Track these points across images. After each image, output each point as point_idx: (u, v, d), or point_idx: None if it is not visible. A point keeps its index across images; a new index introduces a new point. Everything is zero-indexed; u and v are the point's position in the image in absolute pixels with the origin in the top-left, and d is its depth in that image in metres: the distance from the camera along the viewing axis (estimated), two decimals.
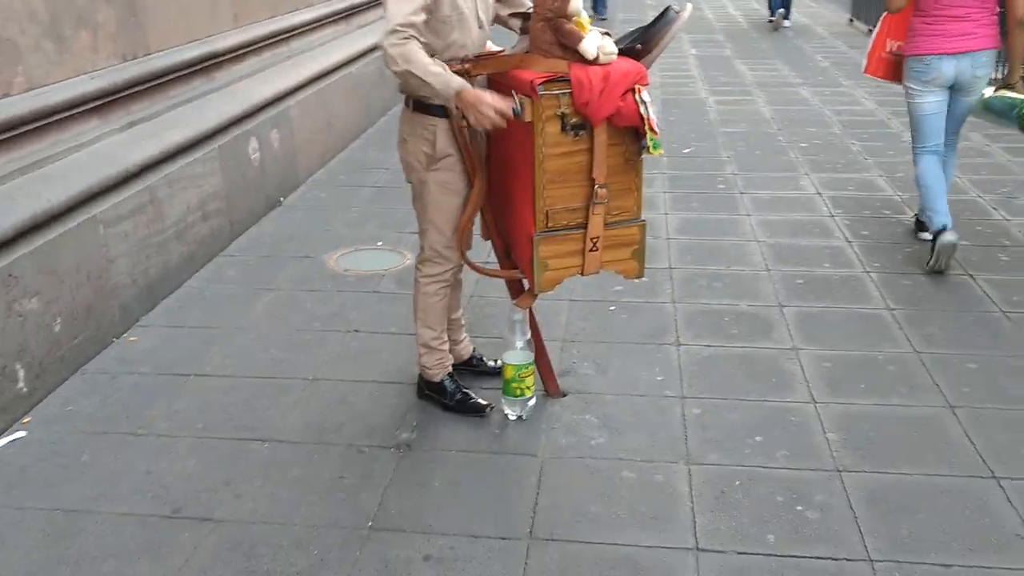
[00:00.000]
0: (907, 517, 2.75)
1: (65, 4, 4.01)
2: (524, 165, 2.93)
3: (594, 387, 3.51)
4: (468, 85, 2.85)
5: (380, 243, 5.00)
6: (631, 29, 3.13)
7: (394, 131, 3.27)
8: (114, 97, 4.34)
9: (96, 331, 3.84)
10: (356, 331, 4.01)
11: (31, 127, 3.77)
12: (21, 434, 3.25)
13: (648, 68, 2.96)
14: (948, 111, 4.55)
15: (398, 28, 2.77)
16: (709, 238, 5.04)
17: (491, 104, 2.82)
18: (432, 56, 2.90)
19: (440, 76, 2.81)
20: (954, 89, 4.47)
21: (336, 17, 7.25)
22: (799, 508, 2.78)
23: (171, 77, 4.86)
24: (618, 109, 2.82)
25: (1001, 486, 2.88)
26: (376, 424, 3.30)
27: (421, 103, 3.03)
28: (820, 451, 3.07)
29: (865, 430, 3.19)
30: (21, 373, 3.37)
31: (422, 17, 2.82)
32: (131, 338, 3.98)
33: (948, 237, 4.34)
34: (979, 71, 4.40)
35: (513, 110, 2.81)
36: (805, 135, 7.11)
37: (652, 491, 2.89)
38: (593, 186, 2.92)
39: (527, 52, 2.94)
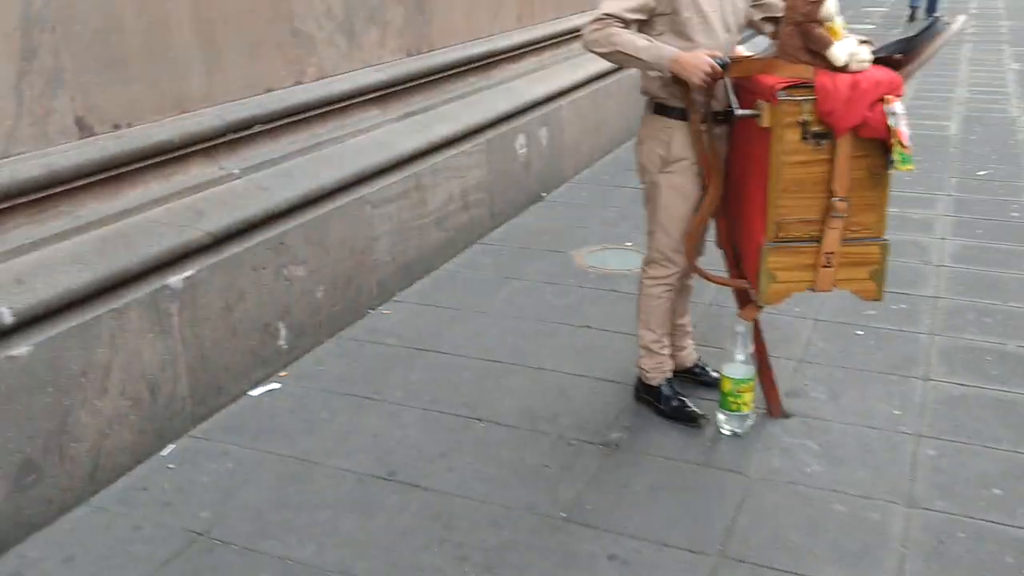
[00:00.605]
0: None
1: (360, 2, 4.40)
2: (759, 172, 2.85)
3: (822, 413, 3.33)
4: (680, 52, 2.83)
5: (629, 244, 5.02)
6: (896, 38, 2.93)
7: None
8: (395, 89, 4.70)
9: (354, 302, 4.18)
10: (588, 327, 4.07)
11: (317, 112, 4.17)
12: (276, 386, 3.62)
13: (907, 79, 2.77)
14: None
15: (601, 16, 2.85)
16: (988, 269, 4.58)
17: (702, 63, 2.79)
18: None
19: (650, 47, 2.84)
20: None
21: None
22: None
23: (450, 73, 5.17)
24: (865, 119, 2.66)
25: None
26: (589, 419, 3.33)
27: (660, 106, 3.03)
28: None
29: None
30: (283, 332, 3.75)
31: (635, 16, 2.85)
32: (384, 311, 4.30)
33: None
34: None
35: (719, 61, 2.79)
36: None
37: (862, 529, 2.70)
38: (831, 198, 2.77)
39: (775, 57, 2.85)
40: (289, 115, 4.00)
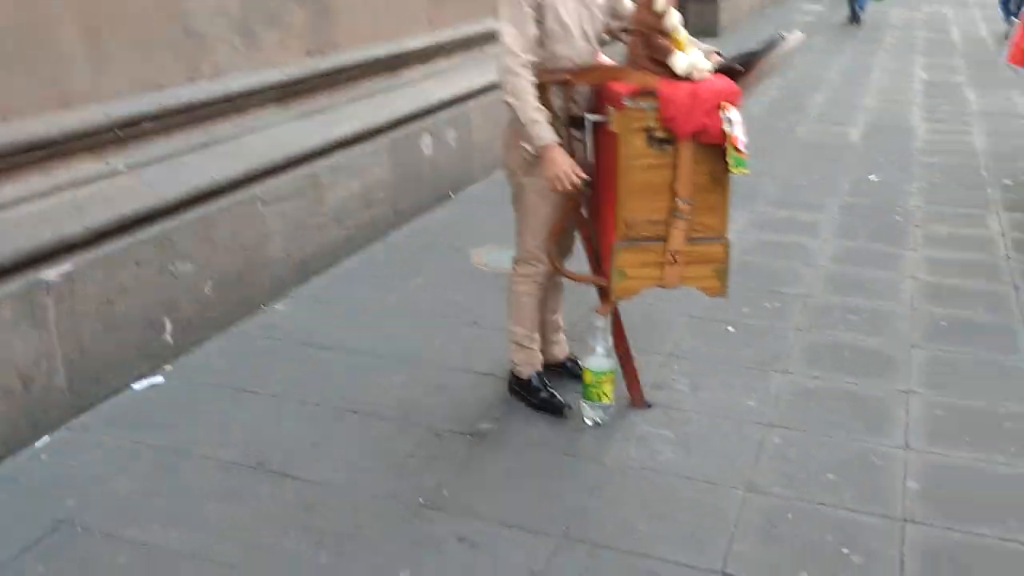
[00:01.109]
0: None
1: (258, 4, 4.46)
2: (611, 175, 3.00)
3: (682, 404, 3.50)
4: (556, 140, 2.99)
5: None
6: (745, 51, 3.10)
7: None
8: (296, 89, 4.77)
9: (247, 297, 4.26)
10: (475, 323, 4.20)
11: (213, 110, 4.24)
12: (159, 379, 3.69)
13: (747, 91, 2.94)
14: None
15: (517, 54, 2.95)
16: (862, 269, 4.81)
17: (564, 171, 2.97)
18: (537, 64, 3.03)
19: (536, 125, 2.99)
20: None
21: None
22: (845, 551, 2.67)
23: (355, 74, 5.26)
24: (704, 126, 2.83)
25: None
26: (463, 411, 3.46)
27: None
28: (892, 498, 2.92)
29: (951, 484, 3.00)
30: (169, 326, 3.81)
31: (533, 34, 2.98)
32: (278, 307, 4.38)
33: None
34: None
35: (584, 181, 2.97)
36: (1013, 171, 6.56)
37: (701, 512, 2.87)
38: (676, 200, 2.94)
39: (624, 65, 3.00)
40: (182, 112, 4.06)
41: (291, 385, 3.65)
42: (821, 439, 3.26)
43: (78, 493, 2.95)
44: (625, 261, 3.02)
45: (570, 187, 3.01)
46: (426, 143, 5.75)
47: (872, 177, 6.47)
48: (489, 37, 6.79)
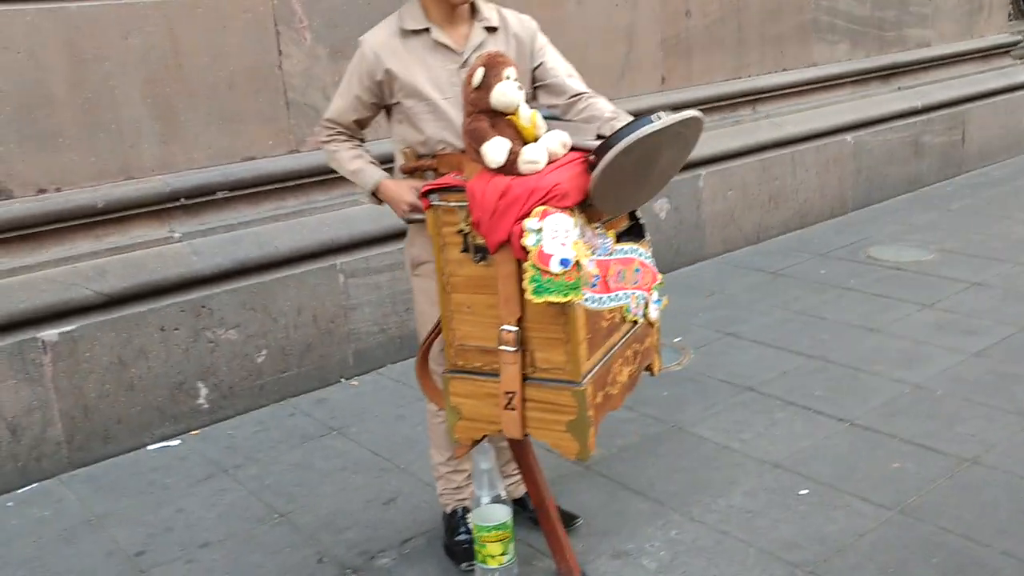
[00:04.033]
0: None
1: None
2: None
3: None
4: (386, 178, 2.53)
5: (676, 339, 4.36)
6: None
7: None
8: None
9: (318, 370, 4.16)
10: None
11: (314, 180, 4.23)
12: (176, 442, 3.74)
13: (598, 187, 2.14)
14: None
15: (324, 124, 2.65)
16: None
17: (407, 200, 2.46)
18: (409, 148, 2.54)
19: (358, 173, 2.59)
20: None
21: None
22: None
23: None
24: (509, 235, 2.11)
25: None
26: (382, 537, 2.98)
27: None
28: None
29: None
30: (204, 391, 3.86)
31: (352, 116, 2.58)
32: (354, 382, 4.22)
33: None
34: None
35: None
36: None
37: None
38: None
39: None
40: (269, 183, 4.10)
41: (266, 472, 3.46)
42: None
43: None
44: (458, 396, 2.34)
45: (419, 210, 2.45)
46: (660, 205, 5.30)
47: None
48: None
